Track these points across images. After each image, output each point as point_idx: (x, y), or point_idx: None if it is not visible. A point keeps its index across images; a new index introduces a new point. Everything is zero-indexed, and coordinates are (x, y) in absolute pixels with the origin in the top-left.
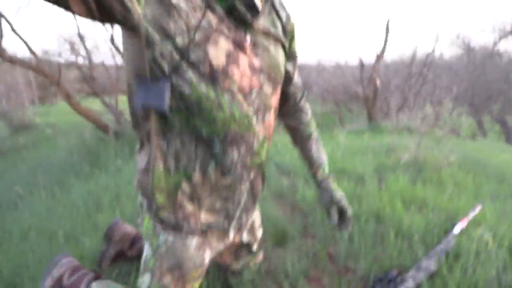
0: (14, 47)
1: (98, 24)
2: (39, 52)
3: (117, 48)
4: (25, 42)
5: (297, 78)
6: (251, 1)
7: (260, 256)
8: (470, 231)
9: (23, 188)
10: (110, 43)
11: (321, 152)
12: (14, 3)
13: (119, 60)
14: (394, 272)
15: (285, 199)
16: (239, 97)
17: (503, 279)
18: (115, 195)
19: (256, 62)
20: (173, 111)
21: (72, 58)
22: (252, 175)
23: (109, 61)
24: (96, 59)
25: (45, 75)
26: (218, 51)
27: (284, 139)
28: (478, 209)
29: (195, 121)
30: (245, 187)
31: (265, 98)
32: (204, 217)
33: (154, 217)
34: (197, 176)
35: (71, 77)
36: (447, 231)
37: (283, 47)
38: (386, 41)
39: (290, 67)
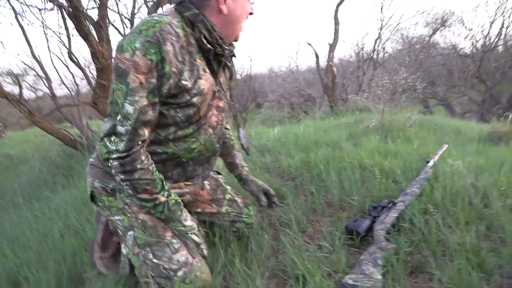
0: None
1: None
2: None
3: (76, 62)
4: None
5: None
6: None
7: (246, 200)
8: (441, 163)
9: None
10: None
11: (241, 159)
12: None
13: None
14: (386, 201)
15: (272, 172)
16: (210, 131)
17: (477, 185)
18: None
19: (220, 104)
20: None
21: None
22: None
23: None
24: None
25: (4, 94)
26: (205, 104)
27: (256, 129)
28: (445, 147)
29: (179, 152)
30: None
31: (223, 128)
32: None
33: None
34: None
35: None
36: (422, 167)
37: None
38: (336, 31)
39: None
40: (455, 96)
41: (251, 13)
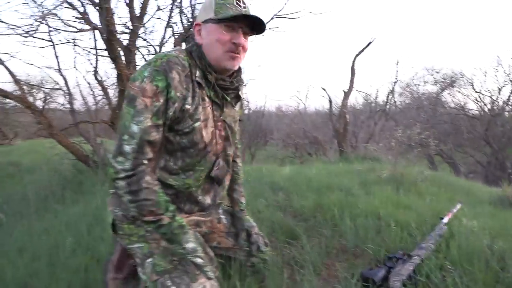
0: None
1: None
2: None
3: (100, 82)
4: (11, 74)
5: (239, 135)
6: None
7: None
8: (455, 222)
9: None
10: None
11: (240, 194)
12: None
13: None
14: (401, 252)
15: (284, 211)
16: (213, 158)
17: (494, 247)
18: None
19: (223, 133)
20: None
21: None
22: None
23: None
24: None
25: (29, 105)
26: (208, 131)
27: (267, 166)
28: (459, 206)
29: (189, 182)
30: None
31: (227, 156)
32: None
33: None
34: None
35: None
36: (436, 223)
37: (238, 119)
38: (352, 80)
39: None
40: (461, 155)
41: (234, 43)
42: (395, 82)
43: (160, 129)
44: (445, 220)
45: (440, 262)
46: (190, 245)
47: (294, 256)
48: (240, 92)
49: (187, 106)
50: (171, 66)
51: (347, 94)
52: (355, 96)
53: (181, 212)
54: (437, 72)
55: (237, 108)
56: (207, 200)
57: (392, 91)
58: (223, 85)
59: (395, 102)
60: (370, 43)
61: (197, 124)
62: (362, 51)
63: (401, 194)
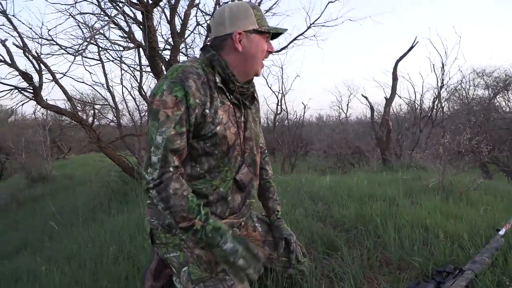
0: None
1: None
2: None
3: (144, 97)
4: (64, 92)
5: (262, 138)
6: (253, 97)
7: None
8: None
9: (56, 224)
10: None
11: (275, 202)
12: None
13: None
14: (451, 266)
15: (324, 221)
16: (239, 158)
17: None
18: None
19: (247, 134)
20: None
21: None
22: (249, 210)
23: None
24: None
25: (80, 120)
26: (231, 133)
27: (306, 176)
28: None
29: (216, 183)
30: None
31: (253, 156)
32: None
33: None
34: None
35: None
36: (492, 235)
37: (259, 121)
38: (394, 86)
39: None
40: None
41: (270, 52)
42: (440, 87)
43: (183, 136)
44: (502, 231)
45: (497, 278)
46: (229, 245)
47: (333, 268)
48: (255, 94)
49: (207, 111)
50: (187, 75)
51: (389, 101)
52: (399, 104)
53: (214, 217)
54: (489, 76)
55: (254, 109)
56: (237, 199)
57: (438, 96)
58: (242, 91)
59: (442, 108)
60: (413, 46)
61: (218, 128)
62: (404, 55)
63: (450, 204)
